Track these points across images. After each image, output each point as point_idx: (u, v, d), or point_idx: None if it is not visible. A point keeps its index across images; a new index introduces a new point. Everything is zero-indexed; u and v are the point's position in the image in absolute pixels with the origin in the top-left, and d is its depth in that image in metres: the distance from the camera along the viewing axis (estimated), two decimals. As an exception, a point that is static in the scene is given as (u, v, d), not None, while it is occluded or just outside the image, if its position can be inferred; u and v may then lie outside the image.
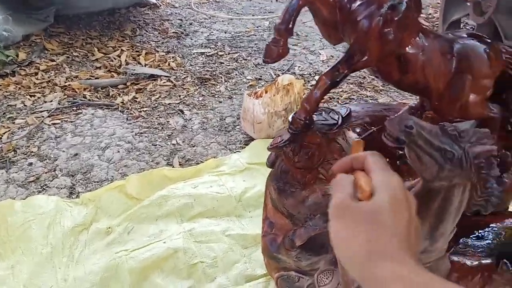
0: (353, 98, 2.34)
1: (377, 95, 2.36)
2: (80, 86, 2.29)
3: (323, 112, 0.92)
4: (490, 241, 0.83)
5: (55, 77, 2.39)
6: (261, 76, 2.55)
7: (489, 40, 0.83)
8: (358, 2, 0.76)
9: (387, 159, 0.89)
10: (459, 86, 0.80)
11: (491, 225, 0.85)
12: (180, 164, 1.78)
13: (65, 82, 2.34)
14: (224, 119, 2.11)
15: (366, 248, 0.50)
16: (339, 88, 2.44)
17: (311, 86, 2.47)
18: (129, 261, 1.29)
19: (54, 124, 1.99)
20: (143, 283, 1.25)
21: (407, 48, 0.78)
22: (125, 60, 2.61)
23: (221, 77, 2.51)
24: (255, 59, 2.74)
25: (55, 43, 2.73)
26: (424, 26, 0.82)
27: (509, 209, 1.06)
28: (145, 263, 1.29)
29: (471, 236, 0.84)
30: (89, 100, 2.19)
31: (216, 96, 2.32)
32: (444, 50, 0.80)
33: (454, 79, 0.80)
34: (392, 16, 0.75)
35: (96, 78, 2.41)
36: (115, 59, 2.62)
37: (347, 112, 0.95)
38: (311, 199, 0.88)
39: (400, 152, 0.91)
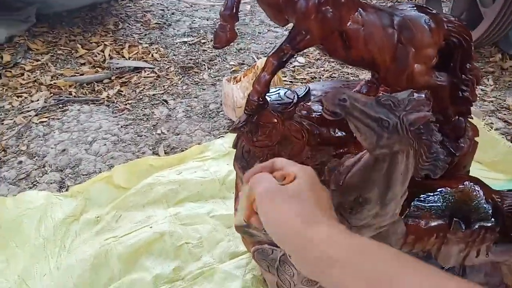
0: (334, 77, 2.38)
1: (358, 72, 2.39)
2: (66, 84, 2.33)
3: (280, 92, 0.96)
4: (440, 204, 0.88)
5: (41, 76, 2.42)
6: (243, 61, 2.58)
7: (430, 10, 0.87)
8: (296, -17, 0.79)
9: (344, 132, 0.95)
10: (403, 57, 0.84)
11: (439, 189, 0.89)
12: (165, 153, 1.83)
13: (51, 81, 2.37)
14: (208, 106, 2.15)
15: (299, 219, 0.56)
16: (321, 67, 2.48)
17: (293, 67, 2.50)
18: (117, 247, 1.35)
19: (41, 122, 2.04)
20: (133, 267, 1.31)
21: (347, 25, 0.81)
22: (109, 55, 2.64)
23: (204, 65, 2.54)
24: (237, 44, 2.77)
25: (39, 42, 2.76)
26: (363, 1, 0.85)
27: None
28: (133, 248, 1.35)
29: (423, 199, 0.88)
30: (74, 96, 2.24)
31: (200, 84, 2.36)
32: (385, 23, 0.84)
33: (398, 51, 0.84)
34: (328, -6, 0.78)
35: (81, 75, 2.45)
36: (98, 54, 2.65)
37: (306, 91, 0.99)
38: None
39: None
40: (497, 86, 2.30)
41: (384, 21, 0.83)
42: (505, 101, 2.17)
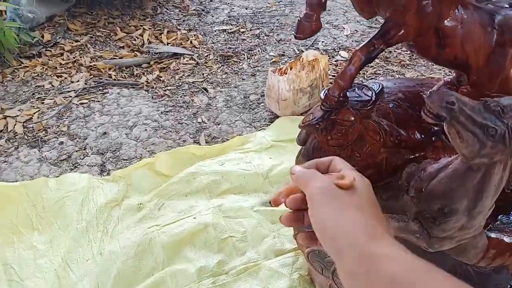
0: (379, 73, 2.30)
1: (403, 70, 2.31)
2: (105, 66, 2.32)
3: (356, 88, 0.90)
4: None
5: (80, 57, 2.42)
6: (284, 52, 2.52)
7: (533, 9, 0.80)
8: (395, -27, 0.73)
9: (422, 135, 0.89)
10: (501, 60, 0.78)
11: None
12: (206, 142, 1.79)
13: (90, 62, 2.36)
14: (248, 97, 2.11)
15: (362, 231, 0.51)
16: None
17: (335, 61, 2.43)
18: (161, 235, 1.33)
19: (82, 103, 2.02)
20: (176, 257, 1.29)
21: (445, 22, 0.75)
22: (148, 39, 2.62)
23: (244, 54, 2.49)
24: (277, 35, 2.71)
25: (78, 23, 2.75)
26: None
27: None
28: (176, 238, 1.32)
29: (510, 213, 0.83)
30: (114, 79, 2.22)
31: (239, 73, 2.32)
32: (485, 22, 0.77)
33: (495, 53, 0.78)
34: (431, -13, 0.72)
35: (120, 58, 2.43)
36: (137, 38, 2.63)
37: (380, 88, 0.93)
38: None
39: (436, 128, 0.90)
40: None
41: (484, 19, 0.77)
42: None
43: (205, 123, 1.91)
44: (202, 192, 1.51)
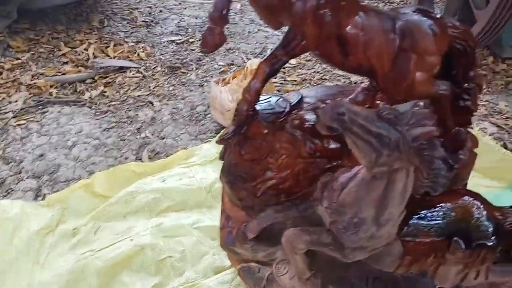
0: (325, 79, 2.31)
1: (350, 75, 2.32)
2: (46, 84, 2.23)
3: (271, 100, 0.88)
4: (440, 221, 0.82)
5: (21, 75, 2.32)
6: (232, 61, 2.50)
7: (434, 15, 0.80)
8: (292, -16, 0.72)
9: (339, 145, 0.88)
10: (404, 65, 0.77)
11: (440, 205, 0.83)
12: (149, 158, 1.74)
13: (31, 80, 2.27)
14: (195, 108, 2.07)
15: None
16: (312, 68, 2.41)
17: (283, 69, 2.42)
18: (95, 261, 1.27)
19: (19, 124, 1.94)
20: (111, 283, 1.23)
21: (346, 29, 0.74)
22: (93, 53, 2.54)
23: (192, 65, 2.46)
24: (227, 44, 2.69)
25: (20, 40, 2.64)
26: (364, 4, 0.78)
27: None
28: (112, 262, 1.26)
29: (421, 217, 0.82)
30: (55, 97, 2.14)
31: (187, 84, 2.28)
32: (387, 28, 0.77)
33: (398, 58, 0.77)
34: (327, -5, 0.71)
35: (63, 74, 2.35)
36: (82, 52, 2.55)
37: (298, 98, 0.92)
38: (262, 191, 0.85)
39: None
40: (489, 89, 2.25)
41: (386, 25, 0.76)
42: (497, 105, 2.12)
43: (149, 138, 1.86)
44: (142, 212, 1.46)
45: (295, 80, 2.31)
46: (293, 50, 0.75)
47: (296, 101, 0.92)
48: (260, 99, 0.87)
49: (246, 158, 0.83)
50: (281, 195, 0.86)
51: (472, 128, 0.98)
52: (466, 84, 0.89)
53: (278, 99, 0.90)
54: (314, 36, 0.74)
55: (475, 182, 1.64)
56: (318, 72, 2.31)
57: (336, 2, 0.72)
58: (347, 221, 0.74)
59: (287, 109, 0.86)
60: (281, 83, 2.28)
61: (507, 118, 2.01)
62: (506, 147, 1.76)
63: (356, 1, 0.76)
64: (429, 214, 0.82)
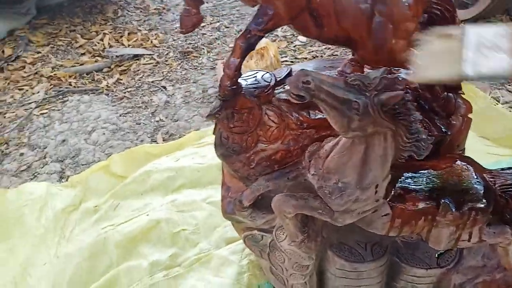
0: (336, 55, 2.32)
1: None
2: (66, 74, 2.34)
3: (257, 76, 0.93)
4: (430, 185, 0.85)
5: (42, 68, 2.44)
6: (243, 43, 2.53)
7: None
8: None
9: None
10: (380, 33, 0.79)
11: (422, 171, 0.86)
12: (163, 140, 1.83)
13: (51, 72, 2.38)
14: (207, 91, 2.13)
15: None
16: (323, 45, 2.42)
17: (294, 47, 2.45)
18: (115, 235, 1.36)
19: (42, 114, 2.05)
20: (130, 254, 1.33)
21: (317, 1, 0.77)
22: (108, 43, 2.63)
23: (203, 49, 2.51)
24: (237, 26, 2.72)
25: (40, 34, 2.76)
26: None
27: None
28: (130, 235, 1.36)
29: (409, 181, 0.85)
30: (74, 87, 2.24)
31: (199, 68, 2.34)
32: None
33: (374, 27, 0.80)
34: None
35: (81, 65, 2.45)
36: (98, 43, 2.64)
37: (287, 72, 0.96)
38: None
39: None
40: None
41: None
42: (514, 72, 2.08)
43: (163, 121, 1.94)
44: (157, 190, 1.54)
45: (306, 58, 2.33)
46: (266, 26, 0.79)
47: (284, 75, 0.95)
48: (247, 74, 0.92)
49: (236, 131, 0.88)
50: (274, 165, 0.91)
51: (463, 93, 1.00)
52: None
53: (264, 74, 0.94)
54: (284, 10, 0.76)
55: (487, 150, 1.65)
56: (329, 48, 2.32)
57: None
58: (332, 186, 0.78)
59: (272, 83, 0.90)
60: (291, 62, 2.31)
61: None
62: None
63: None
64: (416, 179, 0.85)
